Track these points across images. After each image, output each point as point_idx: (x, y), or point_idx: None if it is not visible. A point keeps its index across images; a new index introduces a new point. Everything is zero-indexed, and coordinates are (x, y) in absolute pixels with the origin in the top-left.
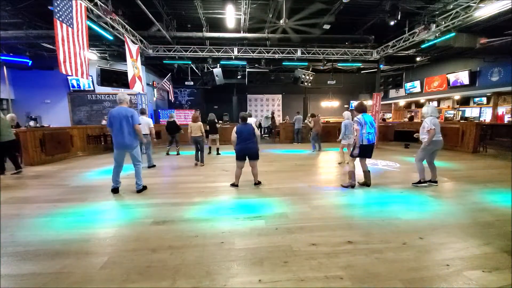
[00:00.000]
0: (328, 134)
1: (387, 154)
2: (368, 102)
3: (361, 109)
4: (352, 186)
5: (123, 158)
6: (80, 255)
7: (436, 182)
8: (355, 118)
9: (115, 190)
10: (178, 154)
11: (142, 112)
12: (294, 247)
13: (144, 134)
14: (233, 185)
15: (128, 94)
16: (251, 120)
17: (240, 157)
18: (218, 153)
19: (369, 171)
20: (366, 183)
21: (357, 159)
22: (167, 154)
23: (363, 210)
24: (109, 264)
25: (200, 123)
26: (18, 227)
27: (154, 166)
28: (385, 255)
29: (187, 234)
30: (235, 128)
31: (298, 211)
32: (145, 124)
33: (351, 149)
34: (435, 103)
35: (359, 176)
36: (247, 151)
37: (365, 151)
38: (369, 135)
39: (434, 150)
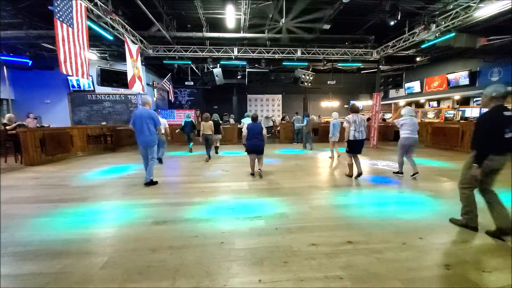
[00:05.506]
0: (326, 134)
1: (387, 154)
2: (368, 102)
3: (353, 109)
4: (350, 176)
5: (147, 153)
6: (80, 255)
7: (417, 173)
8: (346, 117)
9: (148, 184)
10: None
11: None
12: (294, 247)
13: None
14: (251, 174)
15: (128, 95)
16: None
17: (249, 152)
18: (216, 152)
19: (358, 162)
20: (358, 173)
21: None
22: (191, 151)
23: (363, 210)
24: (109, 264)
25: (211, 122)
26: (18, 227)
27: (160, 160)
28: (385, 255)
29: (187, 234)
30: (246, 125)
31: (298, 211)
32: (162, 125)
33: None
34: (413, 107)
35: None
36: (255, 147)
37: (354, 146)
38: (355, 133)
39: (409, 146)
